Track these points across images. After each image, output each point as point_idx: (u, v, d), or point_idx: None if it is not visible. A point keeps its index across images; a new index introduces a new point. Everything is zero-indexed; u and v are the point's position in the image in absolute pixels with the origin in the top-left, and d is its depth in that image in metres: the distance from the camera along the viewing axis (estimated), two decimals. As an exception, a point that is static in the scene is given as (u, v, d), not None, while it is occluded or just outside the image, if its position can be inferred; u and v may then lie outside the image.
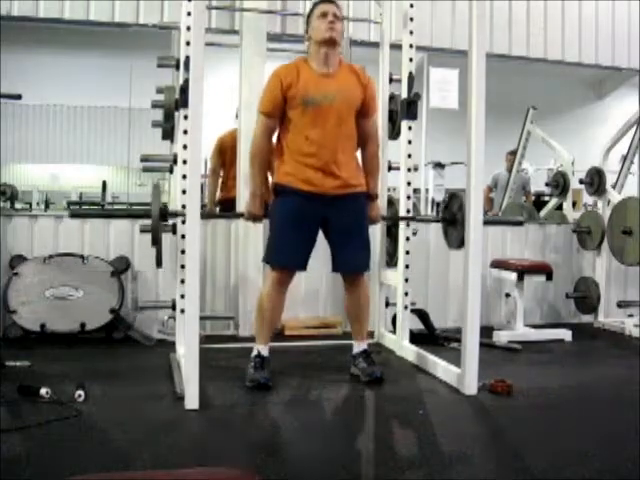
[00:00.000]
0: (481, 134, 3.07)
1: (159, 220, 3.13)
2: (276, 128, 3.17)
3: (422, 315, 4.20)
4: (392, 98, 3.98)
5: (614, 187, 5.08)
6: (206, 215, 4.32)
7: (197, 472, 1.19)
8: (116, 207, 7.92)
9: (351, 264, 3.23)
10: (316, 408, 2.95)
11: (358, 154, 3.30)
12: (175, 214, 3.25)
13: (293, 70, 3.13)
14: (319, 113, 3.08)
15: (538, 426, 2.69)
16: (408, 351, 3.76)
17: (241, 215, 3.38)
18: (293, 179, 3.11)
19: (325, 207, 3.11)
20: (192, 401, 2.74)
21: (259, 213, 3.22)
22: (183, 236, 3.17)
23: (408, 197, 3.87)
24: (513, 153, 6.79)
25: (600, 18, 5.38)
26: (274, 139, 3.24)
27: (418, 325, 4.18)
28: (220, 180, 5.06)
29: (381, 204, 3.82)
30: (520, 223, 4.27)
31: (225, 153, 4.88)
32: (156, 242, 3.20)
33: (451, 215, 3.47)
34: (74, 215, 3.78)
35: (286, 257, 3.15)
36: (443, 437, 2.58)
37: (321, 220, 3.16)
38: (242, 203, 4.24)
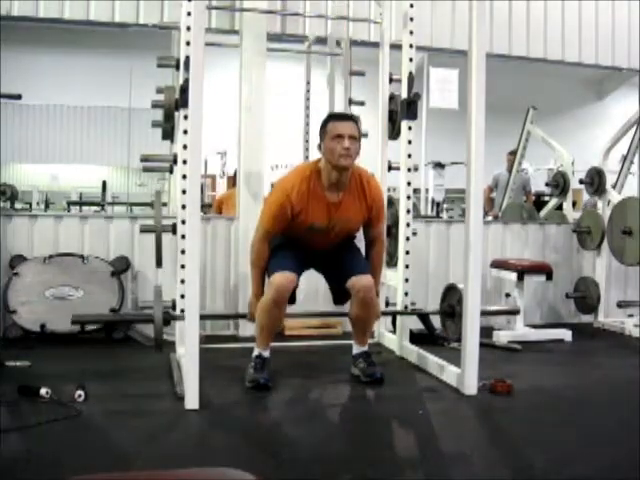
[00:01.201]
0: (481, 134, 3.07)
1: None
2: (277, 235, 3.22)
3: (422, 315, 4.19)
4: (392, 98, 3.98)
5: (614, 187, 5.08)
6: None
7: (197, 472, 1.18)
8: (116, 207, 7.93)
9: (354, 269, 3.19)
10: (316, 408, 2.95)
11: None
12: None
13: (304, 195, 3.07)
14: (320, 234, 3.17)
15: (538, 426, 2.69)
16: (408, 351, 3.76)
17: (244, 316, 3.43)
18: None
19: (319, 253, 3.25)
20: (192, 401, 2.74)
21: None
22: (183, 236, 3.17)
23: (408, 197, 3.87)
24: (513, 153, 6.79)
25: (600, 18, 5.38)
26: None
27: (418, 325, 4.17)
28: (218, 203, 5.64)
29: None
30: (516, 312, 4.27)
31: (222, 209, 5.46)
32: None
33: (450, 307, 3.52)
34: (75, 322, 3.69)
35: (286, 263, 3.14)
36: (443, 437, 2.58)
37: (315, 258, 3.26)
38: (242, 203, 4.25)
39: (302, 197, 3.08)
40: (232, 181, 5.56)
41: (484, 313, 3.44)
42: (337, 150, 3.01)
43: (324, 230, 3.16)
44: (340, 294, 3.27)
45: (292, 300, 3.19)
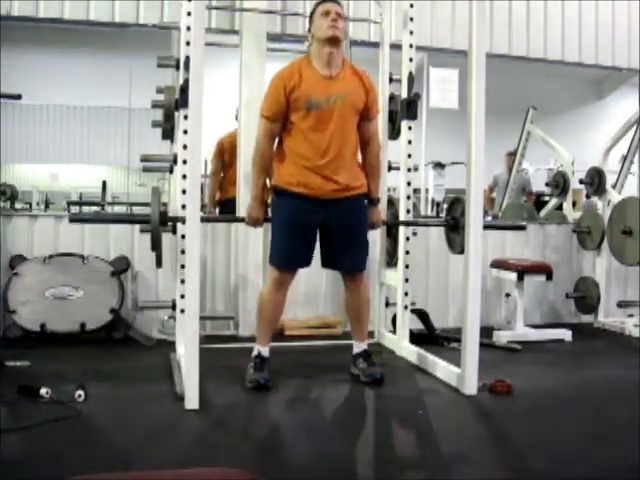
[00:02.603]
0: (481, 134, 3.07)
1: (159, 225, 3.15)
2: (278, 132, 3.15)
3: (422, 315, 4.20)
4: (392, 98, 3.98)
5: (614, 187, 5.08)
6: (206, 219, 4.32)
7: (197, 472, 1.19)
8: (116, 207, 7.93)
9: (350, 263, 3.23)
10: (316, 408, 2.95)
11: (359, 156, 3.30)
12: (175, 219, 3.26)
13: (296, 72, 3.10)
14: (321, 116, 3.07)
15: (538, 426, 2.69)
16: (408, 351, 3.76)
17: (242, 220, 3.37)
18: (293, 183, 3.11)
19: (324, 210, 3.11)
20: (192, 401, 2.74)
21: (260, 217, 3.23)
22: (183, 236, 3.17)
23: (408, 197, 3.87)
24: (512, 154, 6.79)
25: (600, 18, 5.38)
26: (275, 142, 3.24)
27: (418, 325, 4.18)
28: (221, 179, 5.10)
29: (381, 205, 3.82)
30: (523, 227, 4.29)
31: (224, 154, 4.94)
32: (156, 247, 3.22)
33: (453, 220, 3.46)
34: (73, 220, 3.73)
35: (287, 257, 3.16)
36: (443, 437, 2.58)
37: (320, 222, 3.16)
38: (242, 203, 4.25)
39: (294, 73, 3.10)
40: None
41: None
42: (325, 24, 3.08)
43: (326, 108, 3.06)
44: (328, 264, 3.28)
45: (307, 264, 3.20)
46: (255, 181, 3.18)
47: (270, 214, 3.27)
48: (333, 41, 3.09)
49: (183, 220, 3.02)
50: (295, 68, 3.13)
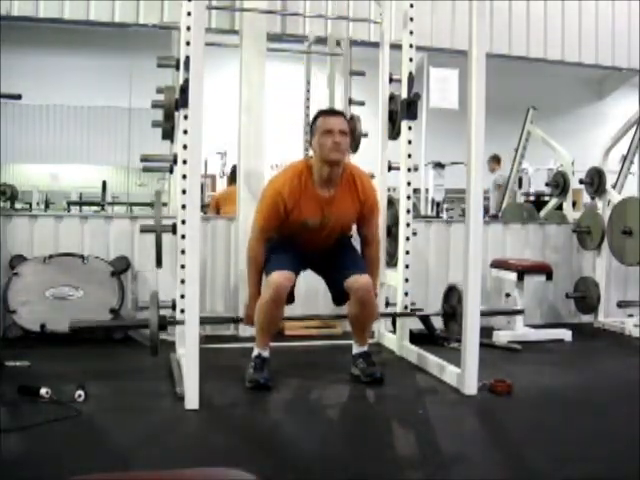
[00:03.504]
0: (481, 134, 3.07)
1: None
2: (273, 236, 3.22)
3: (422, 315, 4.19)
4: (392, 98, 3.98)
5: (614, 187, 5.08)
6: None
7: (197, 472, 1.18)
8: (116, 207, 7.94)
9: (352, 269, 3.18)
10: (316, 408, 2.95)
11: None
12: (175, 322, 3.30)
13: (296, 191, 3.10)
14: (315, 230, 3.18)
15: (538, 426, 2.69)
16: (408, 351, 3.76)
17: (241, 320, 3.44)
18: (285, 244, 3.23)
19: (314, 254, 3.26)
20: (192, 401, 2.74)
21: None
22: (183, 236, 3.17)
23: (408, 197, 3.87)
24: (494, 158, 7.00)
25: (600, 18, 5.38)
26: None
27: (418, 325, 4.17)
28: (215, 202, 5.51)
29: (382, 206, 3.82)
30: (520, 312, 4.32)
31: (220, 206, 5.36)
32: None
33: (450, 308, 3.53)
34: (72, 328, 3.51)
35: (283, 263, 3.15)
36: (443, 437, 2.58)
37: (312, 256, 3.27)
38: (242, 202, 4.25)
39: (294, 193, 3.10)
40: (229, 180, 5.52)
41: (485, 314, 3.46)
42: (327, 145, 3.03)
43: (318, 227, 3.16)
44: (339, 295, 3.27)
45: (290, 300, 3.19)
46: (250, 280, 3.24)
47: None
48: (334, 164, 3.08)
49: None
50: (295, 186, 3.11)
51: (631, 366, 3.68)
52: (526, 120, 6.44)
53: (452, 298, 3.57)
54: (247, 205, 4.24)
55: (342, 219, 3.22)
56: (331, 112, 3.29)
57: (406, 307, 3.85)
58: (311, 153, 3.21)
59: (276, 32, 4.57)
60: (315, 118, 3.16)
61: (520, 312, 4.27)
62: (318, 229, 3.18)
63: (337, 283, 3.22)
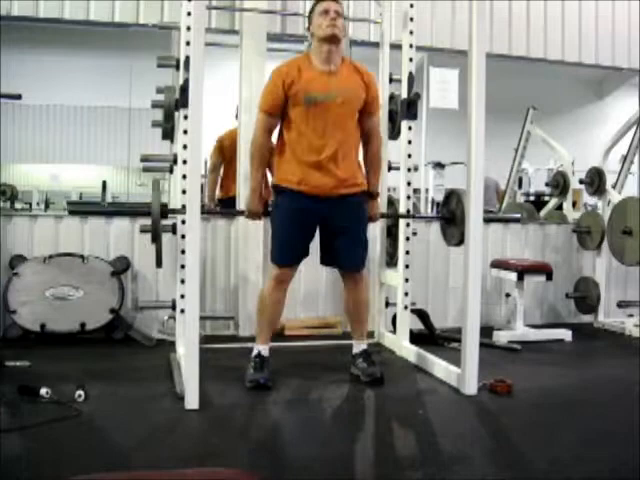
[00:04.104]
0: (481, 134, 3.07)
1: (160, 217, 3.15)
2: (276, 126, 3.17)
3: (422, 315, 4.20)
4: (392, 98, 3.98)
5: (614, 187, 5.08)
6: (206, 211, 4.34)
7: (197, 472, 1.19)
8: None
9: (349, 261, 3.23)
10: (316, 408, 2.95)
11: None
12: (174, 211, 3.27)
13: (295, 68, 3.11)
14: (320, 112, 3.07)
15: (538, 426, 2.69)
16: (408, 351, 3.76)
17: (241, 213, 3.39)
18: (293, 181, 3.11)
19: (324, 207, 3.12)
20: (192, 401, 2.74)
21: (259, 210, 3.24)
22: (183, 236, 3.17)
23: (408, 197, 3.87)
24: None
25: (600, 18, 5.38)
26: (274, 136, 3.24)
27: (418, 325, 4.18)
28: (219, 179, 5.13)
29: (381, 202, 3.82)
30: (517, 220, 4.31)
31: (224, 152, 4.97)
32: (156, 239, 3.22)
33: (449, 212, 3.47)
34: (72, 212, 3.75)
35: (287, 253, 3.18)
36: (443, 437, 2.58)
37: (320, 219, 3.17)
38: (242, 202, 4.24)
39: (293, 69, 3.10)
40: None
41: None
42: (325, 23, 3.07)
43: (325, 102, 3.07)
44: (329, 262, 3.31)
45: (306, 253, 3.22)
46: (253, 174, 3.18)
47: (270, 212, 3.27)
48: (332, 39, 3.09)
49: (183, 213, 3.03)
50: (294, 64, 3.14)
51: (631, 366, 3.67)
52: (526, 120, 6.44)
53: (451, 202, 3.51)
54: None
55: (349, 93, 3.12)
56: None
57: (406, 307, 3.86)
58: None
59: (276, 32, 4.57)
60: (313, 5, 3.19)
61: None
62: (325, 109, 3.06)
63: (333, 256, 3.23)
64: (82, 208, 3.78)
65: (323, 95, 3.07)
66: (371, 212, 3.36)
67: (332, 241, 3.21)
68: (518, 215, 4.63)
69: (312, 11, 3.19)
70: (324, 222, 3.18)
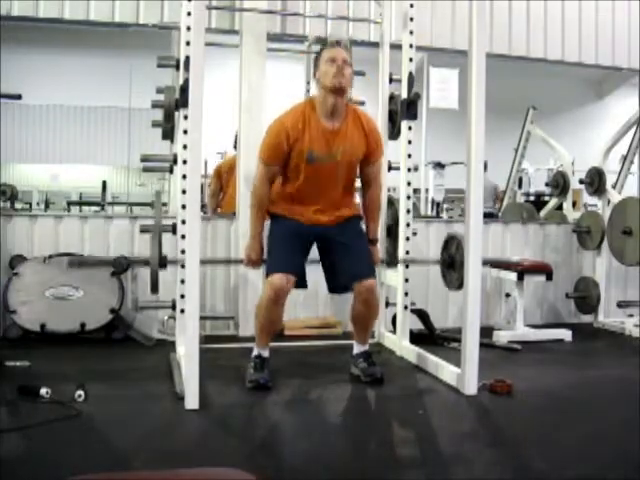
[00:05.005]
0: (481, 134, 3.07)
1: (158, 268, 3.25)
2: (278, 175, 3.18)
3: (422, 315, 4.20)
4: (392, 98, 3.98)
5: (614, 187, 5.07)
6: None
7: (197, 472, 1.19)
8: (116, 207, 7.94)
9: (357, 269, 3.15)
10: (316, 408, 2.95)
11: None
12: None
13: (299, 122, 3.07)
14: (321, 168, 3.10)
15: (538, 426, 2.69)
16: (408, 351, 3.76)
17: (240, 261, 3.41)
18: (286, 215, 3.18)
19: (320, 229, 3.18)
20: (192, 401, 2.74)
21: (259, 257, 3.23)
22: (183, 236, 3.17)
23: (408, 197, 3.87)
24: None
25: (600, 18, 5.38)
26: None
27: (418, 325, 4.18)
28: (220, 199, 5.37)
29: (382, 206, 3.82)
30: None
31: (222, 175, 5.24)
32: (155, 289, 3.30)
33: (449, 257, 3.50)
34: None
35: (283, 263, 3.11)
36: (443, 437, 2.58)
37: (315, 237, 3.20)
38: (242, 203, 4.25)
39: (297, 123, 3.07)
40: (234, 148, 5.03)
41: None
42: (331, 71, 3.04)
43: (326, 161, 3.09)
44: (337, 286, 3.26)
45: (303, 285, 3.17)
46: (254, 222, 3.21)
47: (267, 236, 3.26)
48: (338, 92, 3.06)
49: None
50: (299, 117, 3.09)
51: (631, 366, 3.67)
52: (526, 120, 6.44)
53: (451, 247, 3.52)
54: (247, 205, 4.23)
55: (350, 153, 3.12)
56: (335, 43, 3.18)
57: (406, 307, 3.86)
58: (312, 92, 3.17)
59: (276, 32, 4.57)
60: (320, 51, 3.16)
61: None
62: (327, 166, 3.09)
63: (339, 275, 3.19)
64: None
65: (325, 155, 3.09)
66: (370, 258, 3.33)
67: (334, 258, 3.19)
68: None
69: (318, 56, 3.15)
70: (323, 240, 3.19)
